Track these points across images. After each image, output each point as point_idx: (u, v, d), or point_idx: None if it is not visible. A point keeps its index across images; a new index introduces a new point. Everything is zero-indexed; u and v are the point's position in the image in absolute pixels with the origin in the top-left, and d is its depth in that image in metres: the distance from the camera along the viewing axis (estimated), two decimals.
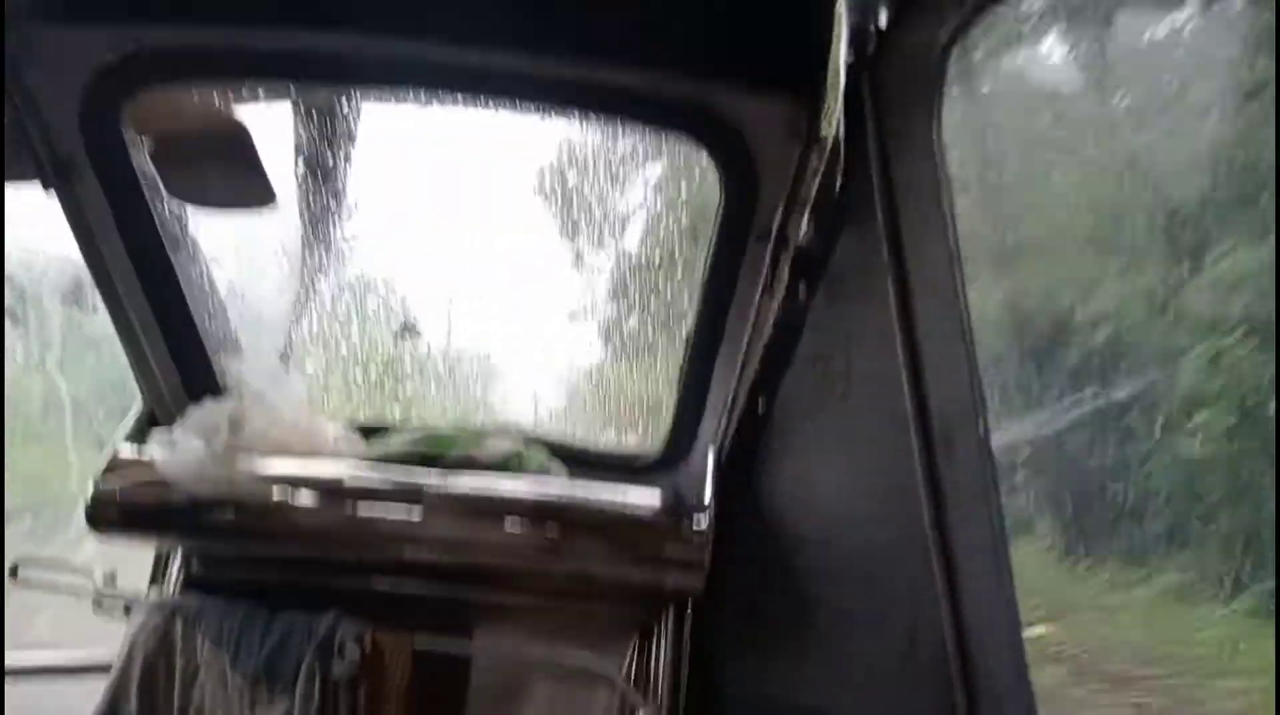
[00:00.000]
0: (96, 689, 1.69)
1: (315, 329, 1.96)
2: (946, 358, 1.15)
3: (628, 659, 1.84)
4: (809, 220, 1.37)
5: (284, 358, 1.96)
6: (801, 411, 1.57)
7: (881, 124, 1.18)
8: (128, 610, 1.76)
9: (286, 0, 1.35)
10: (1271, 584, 1.11)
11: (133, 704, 1.64)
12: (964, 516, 1.13)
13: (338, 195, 1.70)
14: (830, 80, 1.26)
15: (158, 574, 1.93)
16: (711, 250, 1.58)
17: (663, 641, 1.78)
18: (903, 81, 1.15)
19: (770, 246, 1.47)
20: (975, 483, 1.12)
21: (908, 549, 1.24)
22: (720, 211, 1.52)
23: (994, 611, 1.10)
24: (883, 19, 1.15)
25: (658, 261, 1.86)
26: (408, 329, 1.89)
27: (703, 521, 1.60)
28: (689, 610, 1.80)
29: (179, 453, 1.56)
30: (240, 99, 1.57)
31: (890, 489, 1.30)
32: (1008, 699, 1.09)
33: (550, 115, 1.55)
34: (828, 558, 1.52)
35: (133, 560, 1.97)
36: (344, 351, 2.02)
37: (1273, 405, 1.07)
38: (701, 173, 1.61)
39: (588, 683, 1.81)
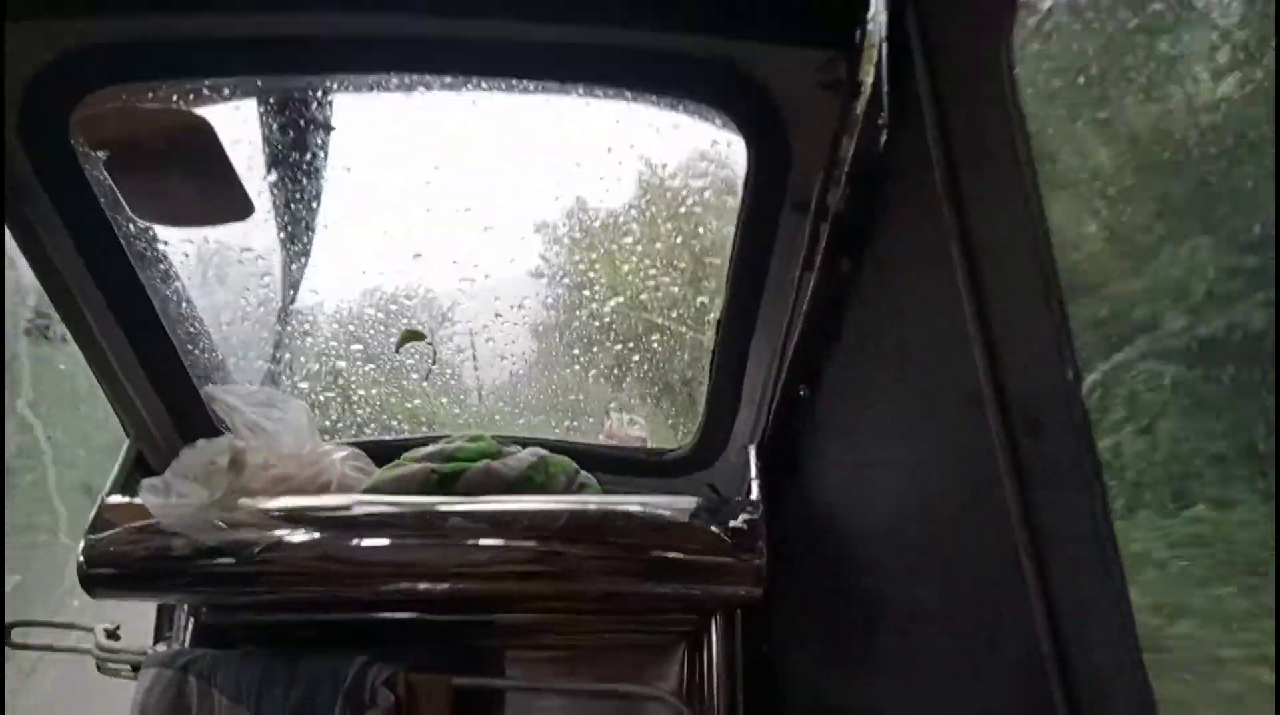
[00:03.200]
0: None
1: (308, 344, 1.86)
2: (1028, 328, 1.06)
3: (679, 672, 1.76)
4: (849, 184, 1.27)
5: (276, 380, 1.86)
6: (851, 395, 1.48)
7: (933, 63, 1.07)
8: (135, 669, 1.67)
9: None
10: None
11: None
12: (1058, 508, 1.06)
13: (317, 196, 1.59)
14: (870, 17, 1.15)
15: (164, 625, 1.85)
16: (741, 225, 1.48)
17: (714, 650, 1.71)
18: (959, 11, 1.04)
19: (809, 218, 1.36)
20: (1071, 469, 1.03)
21: (987, 543, 1.17)
22: (749, 182, 1.41)
23: (1100, 611, 1.03)
24: None
25: (680, 243, 1.75)
26: (411, 336, 1.79)
27: (751, 522, 1.51)
28: (739, 615, 1.72)
29: (175, 501, 1.47)
30: (201, 99, 1.45)
31: (963, 477, 1.22)
32: (1120, 705, 1.02)
33: (547, 92, 1.43)
34: (892, 554, 1.44)
35: (139, 610, 1.89)
36: (343, 366, 1.92)
37: None
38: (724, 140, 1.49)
39: (638, 703, 1.74)
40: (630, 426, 2.15)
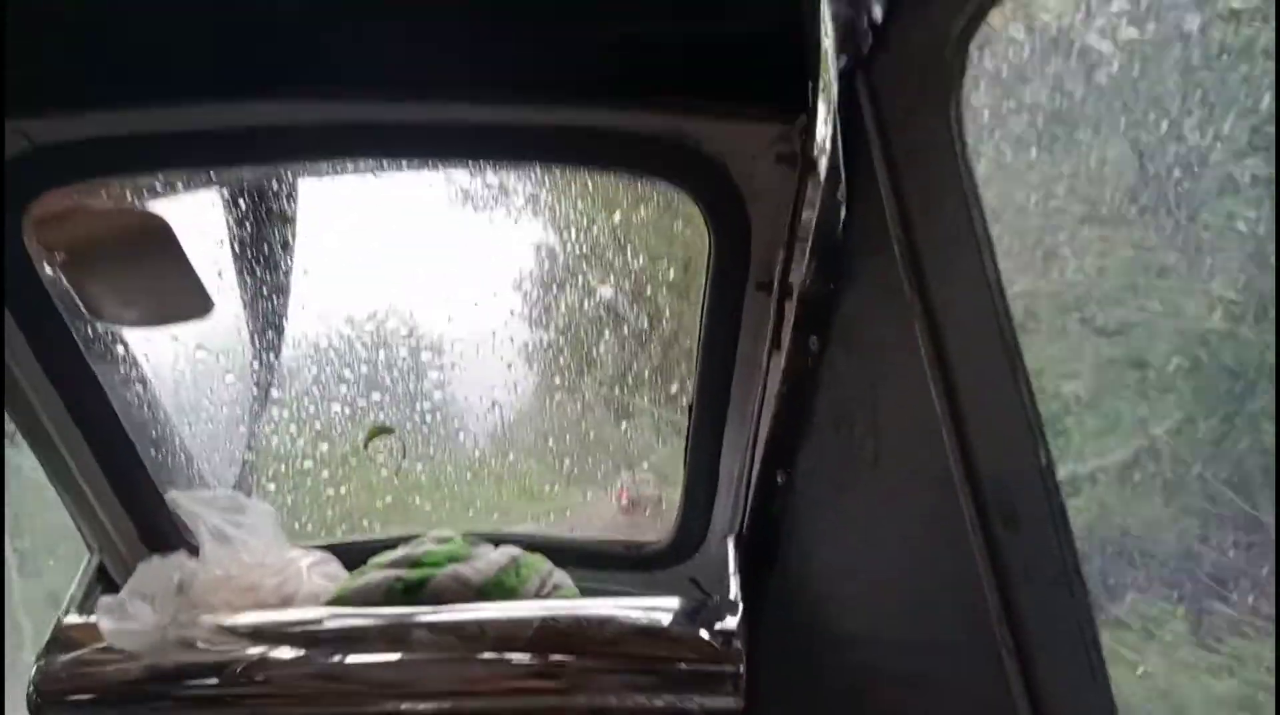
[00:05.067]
0: None
1: (275, 443, 1.81)
2: (998, 409, 0.99)
3: None
4: (812, 260, 1.23)
5: (243, 482, 1.81)
6: (827, 483, 1.42)
7: (887, 136, 1.04)
8: None
9: (194, 74, 1.22)
10: None
11: None
12: (1039, 604, 0.98)
13: (282, 290, 1.56)
14: (821, 90, 1.12)
15: None
16: (705, 307, 1.43)
17: None
18: (908, 82, 1.01)
19: (773, 296, 1.32)
20: (1050, 562, 0.96)
21: (972, 642, 1.09)
22: (711, 261, 1.37)
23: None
24: (877, 10, 1.02)
25: (647, 326, 1.70)
26: (378, 432, 1.74)
27: (732, 624, 1.42)
28: None
29: (126, 621, 1.40)
30: (157, 193, 1.44)
31: (945, 570, 1.14)
32: None
33: (507, 170, 1.42)
34: (876, 655, 1.35)
35: None
36: (310, 466, 1.87)
37: None
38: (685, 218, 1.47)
39: None
40: (643, 486, 2.08)
